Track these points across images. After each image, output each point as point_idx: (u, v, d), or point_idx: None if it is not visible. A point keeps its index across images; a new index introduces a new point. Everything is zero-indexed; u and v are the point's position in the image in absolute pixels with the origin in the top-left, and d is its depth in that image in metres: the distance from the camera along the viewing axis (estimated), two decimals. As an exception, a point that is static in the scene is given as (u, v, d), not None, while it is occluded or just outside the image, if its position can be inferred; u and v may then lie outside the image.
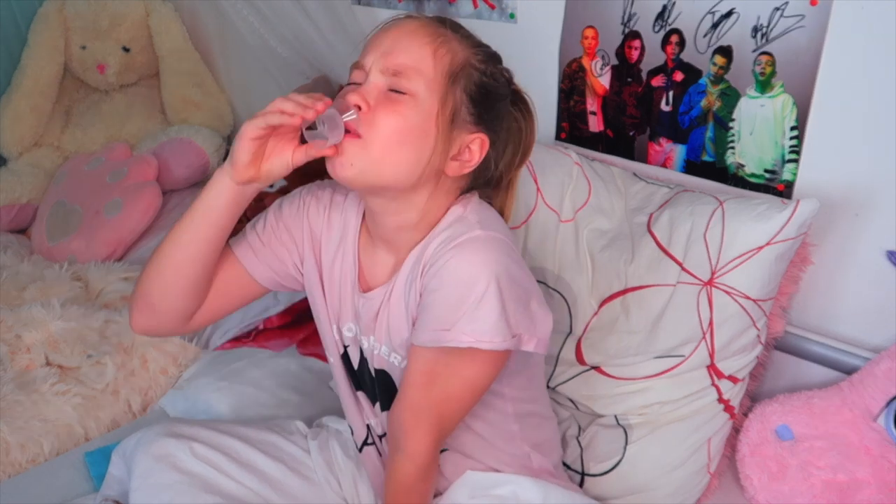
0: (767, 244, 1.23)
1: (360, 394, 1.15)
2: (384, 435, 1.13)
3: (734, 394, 1.29)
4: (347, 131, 0.93)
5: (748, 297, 1.24)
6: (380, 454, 1.16)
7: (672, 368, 1.28)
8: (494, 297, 0.93)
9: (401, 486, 1.02)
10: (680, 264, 1.31)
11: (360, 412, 1.15)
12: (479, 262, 0.94)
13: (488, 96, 1.00)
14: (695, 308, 1.28)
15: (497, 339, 0.94)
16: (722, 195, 1.34)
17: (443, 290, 0.95)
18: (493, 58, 1.03)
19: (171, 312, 1.07)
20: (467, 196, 1.04)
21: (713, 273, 1.27)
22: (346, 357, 1.13)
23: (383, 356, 1.06)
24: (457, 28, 1.02)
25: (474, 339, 0.93)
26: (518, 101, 1.07)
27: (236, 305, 1.15)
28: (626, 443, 1.27)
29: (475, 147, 1.00)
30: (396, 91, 0.95)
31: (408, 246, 1.02)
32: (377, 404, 1.12)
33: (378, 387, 1.09)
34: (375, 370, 1.08)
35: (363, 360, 1.10)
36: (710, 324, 1.26)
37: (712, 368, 1.27)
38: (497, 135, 1.03)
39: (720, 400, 1.27)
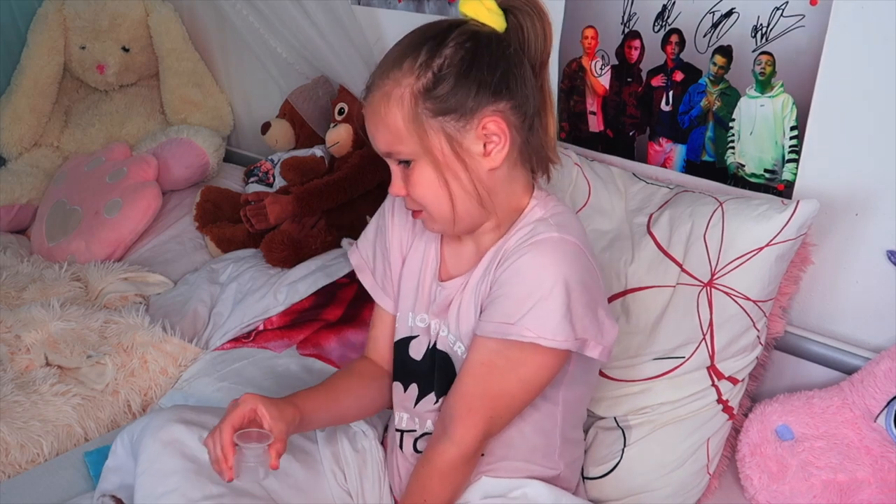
0: (767, 245, 1.23)
1: (397, 384, 1.17)
2: (409, 431, 1.14)
3: (733, 394, 1.28)
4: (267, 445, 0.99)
5: (748, 298, 1.24)
6: (400, 447, 1.17)
7: (672, 370, 1.28)
8: (560, 298, 0.95)
9: (437, 471, 1.04)
10: (679, 265, 1.31)
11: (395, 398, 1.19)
12: (550, 263, 0.97)
13: (457, 84, 0.95)
14: (694, 309, 1.27)
15: (559, 337, 0.96)
16: (722, 195, 1.34)
17: (512, 285, 0.98)
18: (438, 45, 0.96)
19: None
20: (545, 194, 1.06)
21: (713, 274, 1.26)
22: (402, 346, 1.15)
23: (449, 343, 1.08)
24: (399, 55, 0.97)
25: (536, 335, 0.96)
26: (521, 4, 0.98)
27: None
28: (625, 445, 1.27)
29: (493, 128, 0.96)
30: (403, 163, 1.00)
31: (491, 241, 1.05)
32: (428, 395, 1.12)
33: (438, 372, 1.10)
34: (439, 351, 1.10)
35: (430, 349, 1.12)
36: (710, 325, 1.26)
37: (712, 369, 1.27)
38: (500, 90, 0.96)
39: (719, 400, 1.27)
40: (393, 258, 1.16)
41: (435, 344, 1.11)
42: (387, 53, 1.00)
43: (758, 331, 1.26)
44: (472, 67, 0.95)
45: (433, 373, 1.11)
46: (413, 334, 1.13)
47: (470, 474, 1.07)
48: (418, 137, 0.96)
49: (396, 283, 1.16)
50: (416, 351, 1.13)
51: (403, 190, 1.01)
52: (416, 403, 1.14)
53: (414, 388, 1.14)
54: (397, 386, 1.17)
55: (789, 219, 1.22)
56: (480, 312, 1.03)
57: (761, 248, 1.23)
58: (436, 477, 1.04)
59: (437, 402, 1.11)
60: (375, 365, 1.21)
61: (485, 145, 0.97)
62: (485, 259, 1.05)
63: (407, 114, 0.96)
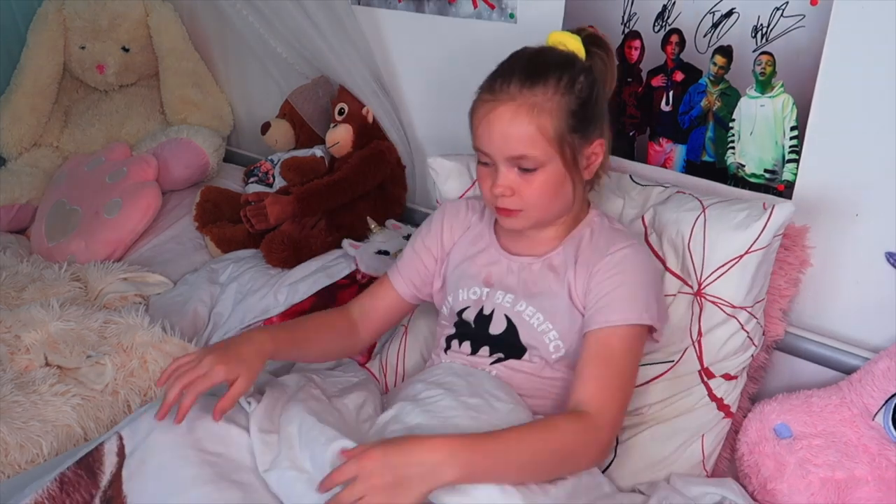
0: (747, 252, 1.23)
1: (465, 343, 1.26)
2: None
3: (728, 391, 1.28)
4: None
5: (733, 306, 1.25)
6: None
7: (663, 374, 1.29)
8: (660, 290, 1.22)
9: (566, 439, 1.06)
10: (674, 273, 1.32)
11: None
12: (646, 259, 1.21)
13: (587, 110, 1.15)
14: (685, 317, 1.29)
15: (666, 318, 1.21)
16: (706, 199, 1.33)
17: (618, 277, 1.15)
18: (574, 73, 1.15)
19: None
20: (594, 203, 1.29)
21: (700, 283, 1.27)
22: (458, 315, 1.27)
23: (519, 309, 1.21)
24: (538, 73, 1.13)
25: (655, 321, 1.15)
26: (595, 45, 1.22)
27: (390, 324, 1.40)
28: (617, 443, 1.27)
29: (598, 150, 1.18)
30: (526, 170, 1.13)
31: (556, 233, 1.23)
32: (486, 350, 1.23)
33: (506, 333, 1.22)
34: (509, 322, 1.22)
35: (481, 319, 1.24)
36: (699, 332, 1.27)
37: (703, 372, 1.28)
38: (604, 121, 1.19)
39: (712, 397, 1.27)
40: (435, 253, 1.33)
41: (495, 314, 1.23)
42: (513, 66, 1.15)
43: (747, 332, 1.27)
44: (597, 99, 1.17)
45: (484, 332, 1.23)
46: (466, 306, 1.26)
47: (595, 459, 1.10)
48: (559, 146, 1.13)
49: (437, 273, 1.33)
50: (470, 317, 1.25)
51: (511, 190, 1.14)
52: (468, 356, 1.24)
53: (466, 345, 1.25)
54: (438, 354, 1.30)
55: (765, 225, 1.22)
56: (571, 297, 1.18)
57: (741, 256, 1.23)
58: (552, 440, 1.05)
59: (490, 355, 1.22)
60: (353, 324, 1.33)
61: (587, 164, 1.18)
62: (566, 248, 1.22)
63: (557, 125, 1.12)
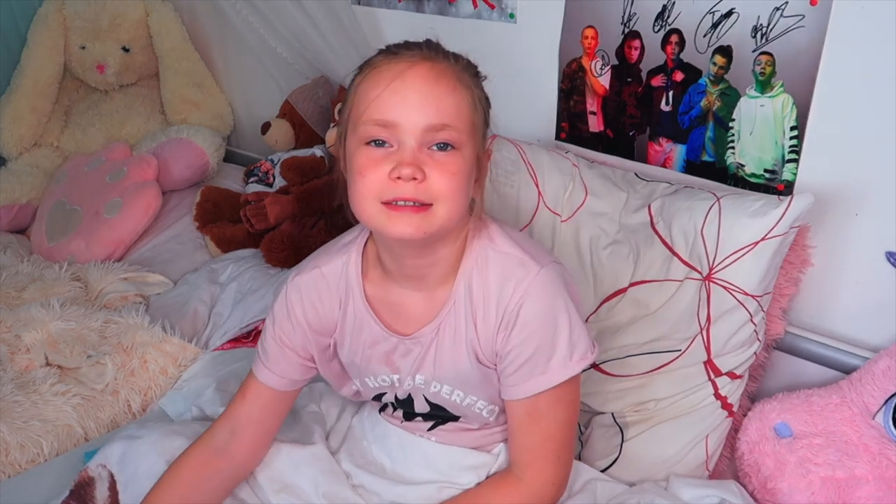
0: (763, 239, 1.23)
1: (373, 403, 1.18)
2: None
3: (732, 390, 1.28)
4: None
5: (745, 293, 1.25)
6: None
7: (669, 363, 1.28)
8: (574, 321, 0.99)
9: None
10: (682, 259, 1.31)
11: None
12: (551, 301, 0.98)
13: (487, 108, 0.99)
14: (692, 303, 1.28)
15: (592, 353, 1.02)
16: (719, 191, 1.34)
17: (529, 343, 0.98)
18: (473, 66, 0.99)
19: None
20: (488, 223, 1.03)
21: (711, 268, 1.27)
22: (377, 399, 1.15)
23: (434, 390, 1.08)
24: (447, 51, 0.96)
25: (580, 362, 1.00)
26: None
27: (275, 424, 1.14)
28: (623, 440, 1.27)
29: (485, 160, 1.00)
30: (441, 147, 0.91)
31: (440, 279, 1.02)
32: (420, 418, 1.14)
33: (433, 409, 1.12)
34: (430, 403, 1.10)
35: (402, 400, 1.12)
36: (708, 319, 1.26)
37: (709, 364, 1.27)
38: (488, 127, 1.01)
39: (717, 396, 1.27)
40: (305, 343, 1.10)
41: (414, 402, 1.11)
42: (410, 42, 0.95)
43: (755, 325, 1.27)
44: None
45: (411, 410, 1.13)
46: (381, 391, 1.13)
47: None
48: (474, 132, 0.94)
49: (320, 357, 1.11)
50: (388, 399, 1.14)
51: (422, 173, 0.89)
52: (402, 422, 1.16)
53: (399, 412, 1.15)
54: (373, 404, 1.19)
55: (784, 213, 1.22)
56: (479, 359, 1.03)
57: (757, 243, 1.23)
58: None
59: (425, 421, 1.14)
60: (220, 455, 1.10)
61: (478, 174, 0.98)
62: (456, 302, 1.01)
63: (475, 106, 0.94)
